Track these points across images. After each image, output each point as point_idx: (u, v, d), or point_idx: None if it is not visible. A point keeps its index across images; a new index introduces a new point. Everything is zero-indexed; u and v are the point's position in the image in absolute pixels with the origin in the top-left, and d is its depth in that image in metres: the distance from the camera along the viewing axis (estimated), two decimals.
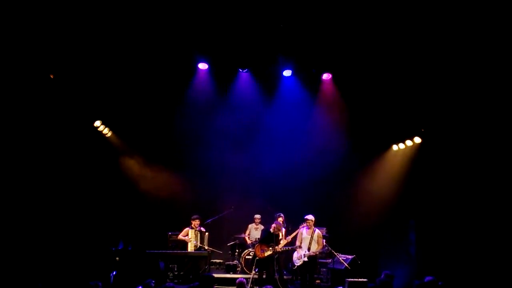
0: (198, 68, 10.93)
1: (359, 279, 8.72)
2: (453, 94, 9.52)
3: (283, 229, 10.19)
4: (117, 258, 9.37)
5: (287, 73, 10.96)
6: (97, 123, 11.03)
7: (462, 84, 9.26)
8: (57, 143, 9.93)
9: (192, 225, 10.07)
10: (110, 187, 11.04)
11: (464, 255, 9.05)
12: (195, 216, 10.14)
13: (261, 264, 9.41)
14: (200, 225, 10.20)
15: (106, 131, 11.29)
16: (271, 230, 9.40)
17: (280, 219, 10.15)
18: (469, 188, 9.24)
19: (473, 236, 9.01)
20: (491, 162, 8.90)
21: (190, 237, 10.01)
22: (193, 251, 9.88)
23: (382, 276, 7.07)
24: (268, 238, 9.36)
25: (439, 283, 6.38)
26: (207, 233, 10.28)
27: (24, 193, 9.19)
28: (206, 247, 10.01)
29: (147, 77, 10.55)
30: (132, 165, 11.90)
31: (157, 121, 11.36)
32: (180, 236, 10.11)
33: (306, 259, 9.27)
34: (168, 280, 9.64)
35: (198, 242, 10.01)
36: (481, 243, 8.83)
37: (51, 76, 9.71)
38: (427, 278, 6.48)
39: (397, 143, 11.49)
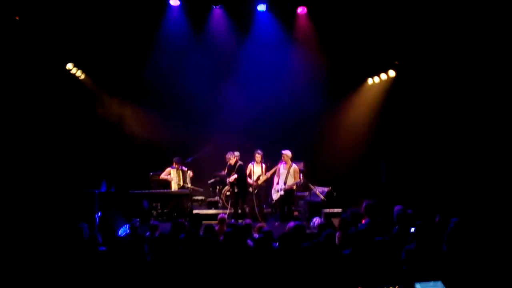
0: (170, 4, 10.60)
1: (335, 210, 9.21)
2: (428, 26, 9.49)
3: (263, 165, 10.53)
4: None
5: (261, 7, 10.73)
6: (69, 65, 10.80)
7: (438, 15, 9.21)
8: (30, 89, 9.72)
9: (174, 165, 10.29)
10: (89, 130, 11.03)
11: (431, 185, 9.54)
12: (176, 158, 10.38)
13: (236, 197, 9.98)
14: (182, 165, 10.43)
15: (79, 73, 11.08)
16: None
17: (258, 156, 10.39)
18: (440, 122, 9.52)
19: (440, 166, 9.43)
20: (463, 96, 9.10)
21: (173, 176, 10.25)
22: (176, 190, 10.18)
23: (364, 204, 7.17)
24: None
25: (408, 211, 6.77)
26: (189, 172, 10.54)
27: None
28: (189, 185, 10.31)
29: (118, 15, 10.18)
30: (110, 106, 11.84)
31: (130, 60, 11.09)
32: (163, 176, 10.35)
33: (282, 193, 9.74)
34: (152, 218, 9.98)
35: (181, 181, 10.29)
36: (447, 173, 9.27)
37: (17, 18, 9.34)
38: (397, 207, 6.85)
39: (372, 76, 11.61)
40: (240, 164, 10.12)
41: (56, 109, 10.32)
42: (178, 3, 10.56)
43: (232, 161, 10.22)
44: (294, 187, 9.80)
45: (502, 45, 8.26)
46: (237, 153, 10.65)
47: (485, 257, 5.08)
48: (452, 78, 9.37)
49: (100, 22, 10.06)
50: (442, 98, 9.58)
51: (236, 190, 10.06)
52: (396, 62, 10.93)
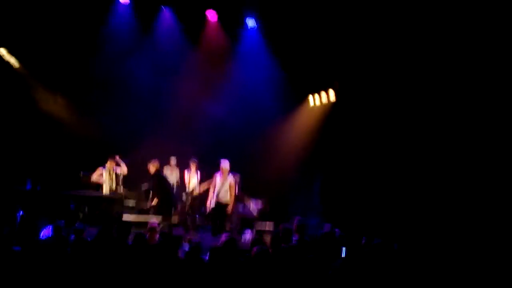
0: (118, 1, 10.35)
1: (267, 224, 9.27)
2: (369, 47, 9.78)
3: (199, 174, 10.41)
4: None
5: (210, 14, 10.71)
6: (2, 51, 10.19)
7: (380, 36, 9.50)
8: None
9: (107, 166, 9.87)
10: (18, 122, 10.42)
11: (361, 207, 9.87)
12: (110, 157, 9.89)
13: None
14: (116, 163, 10.00)
15: (13, 61, 10.47)
16: None
17: (193, 164, 10.29)
18: (375, 146, 9.86)
19: (377, 189, 9.76)
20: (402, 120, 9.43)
21: (105, 178, 9.85)
22: (107, 193, 9.79)
23: (296, 221, 7.31)
24: None
25: (336, 230, 6.94)
26: (123, 167, 10.08)
27: None
28: (121, 191, 9.94)
29: (62, 7, 9.77)
30: (43, 98, 11.25)
31: (71, 53, 10.65)
32: (94, 178, 9.89)
33: (213, 205, 9.54)
34: (78, 221, 9.51)
35: (114, 185, 9.89)
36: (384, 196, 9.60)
37: None
38: (326, 226, 7.01)
39: (313, 94, 11.88)
40: (156, 173, 9.52)
41: None
42: (127, 0, 10.30)
43: (152, 170, 9.55)
44: (230, 202, 9.57)
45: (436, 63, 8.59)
46: (155, 162, 10.04)
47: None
48: (390, 99, 9.66)
49: (43, 11, 9.59)
50: (379, 120, 9.90)
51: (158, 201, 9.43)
52: (336, 83, 11.21)
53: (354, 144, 10.29)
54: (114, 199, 9.71)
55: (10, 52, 10.42)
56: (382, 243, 5.78)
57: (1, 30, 9.78)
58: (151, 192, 9.56)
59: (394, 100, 9.37)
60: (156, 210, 9.33)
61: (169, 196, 9.60)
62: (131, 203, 10.68)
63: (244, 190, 10.04)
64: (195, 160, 10.39)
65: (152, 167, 9.46)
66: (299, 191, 11.54)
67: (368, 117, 10.00)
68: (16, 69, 10.66)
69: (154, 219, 9.03)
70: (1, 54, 10.25)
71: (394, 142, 9.36)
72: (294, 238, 6.71)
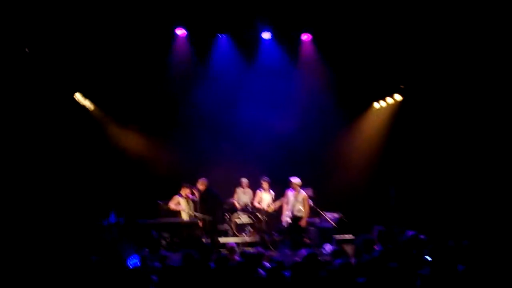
0: (176, 34, 10.76)
1: (346, 236, 9.07)
2: (433, 50, 9.57)
3: (272, 192, 10.50)
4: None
5: (266, 35, 10.87)
6: (78, 95, 10.92)
7: (442, 39, 9.29)
8: (39, 119, 9.82)
9: (183, 194, 10.18)
10: (97, 160, 11.06)
11: (443, 209, 9.43)
12: (184, 185, 10.21)
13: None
14: (191, 192, 10.28)
15: (87, 103, 11.20)
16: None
17: (265, 183, 10.44)
18: (447, 145, 9.49)
19: (451, 189, 9.34)
20: (471, 120, 9.08)
21: (183, 205, 10.15)
22: (187, 219, 10.05)
23: (376, 231, 7.18)
24: None
25: (421, 237, 6.66)
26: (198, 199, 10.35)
27: (9, 173, 9.14)
28: (200, 215, 10.18)
29: (125, 46, 10.34)
30: (117, 135, 11.88)
31: (138, 88, 11.19)
32: (172, 206, 10.19)
33: (290, 220, 9.63)
34: (161, 248, 9.83)
35: (192, 211, 10.18)
36: (458, 196, 9.18)
37: (26, 50, 9.51)
38: (410, 233, 6.74)
39: (378, 101, 11.63)
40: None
41: (65, 139, 10.37)
42: (184, 32, 10.70)
43: (201, 188, 10.14)
44: (303, 215, 9.61)
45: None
46: (245, 180, 10.63)
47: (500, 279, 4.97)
48: (459, 99, 9.37)
49: (108, 51, 10.21)
50: (449, 120, 9.55)
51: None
52: (402, 86, 10.96)
53: (426, 144, 9.95)
54: (193, 224, 9.94)
55: (85, 95, 11.12)
56: (471, 244, 5.50)
57: (75, 76, 10.48)
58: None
59: (464, 98, 9.02)
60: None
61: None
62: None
63: (319, 203, 9.93)
64: (266, 178, 10.55)
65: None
66: (375, 198, 11.22)
67: (438, 115, 9.64)
68: (92, 111, 11.32)
69: (231, 240, 9.22)
70: (77, 99, 10.95)
71: (467, 140, 8.95)
72: (376, 248, 6.53)
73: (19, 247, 8.28)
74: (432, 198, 9.67)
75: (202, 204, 10.03)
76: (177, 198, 10.22)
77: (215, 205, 10.14)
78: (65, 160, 10.35)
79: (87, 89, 11.11)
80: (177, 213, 10.22)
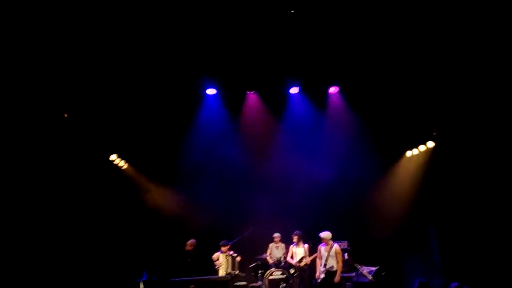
0: (207, 94, 11.11)
1: None
2: (463, 96, 9.50)
3: (305, 246, 10.27)
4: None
5: (294, 90, 11.08)
6: (113, 156, 11.27)
7: (472, 86, 9.23)
8: (77, 180, 10.13)
9: (223, 250, 10.14)
10: (131, 218, 11.20)
11: (488, 258, 8.93)
12: (223, 242, 10.20)
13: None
14: (230, 249, 10.27)
15: (122, 163, 11.52)
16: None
17: (295, 237, 10.30)
18: (487, 190, 9.16)
19: (496, 237, 8.90)
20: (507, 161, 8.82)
21: (221, 261, 10.06)
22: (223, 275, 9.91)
23: (417, 284, 6.90)
24: None
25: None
26: (238, 258, 10.32)
27: (50, 232, 9.35)
28: (237, 272, 10.10)
29: (157, 106, 10.72)
30: (150, 194, 12.06)
31: (170, 148, 11.49)
32: (214, 258, 10.15)
33: (323, 275, 9.30)
34: None
35: (229, 268, 10.07)
36: (504, 244, 8.71)
37: (65, 115, 9.98)
38: (453, 285, 6.41)
39: (410, 149, 11.48)
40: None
41: (102, 198, 10.61)
42: (214, 91, 11.03)
43: (190, 248, 10.23)
44: (336, 268, 9.28)
45: None
46: (277, 235, 10.60)
47: None
48: (491, 146, 9.14)
49: (141, 113, 10.60)
50: (483, 163, 9.28)
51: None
52: (434, 133, 10.81)
53: (465, 189, 9.60)
54: (226, 281, 9.73)
55: (120, 156, 11.47)
56: None
57: (111, 137, 10.88)
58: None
59: (495, 139, 8.81)
60: None
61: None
62: (241, 283, 10.71)
63: (355, 256, 9.59)
64: (298, 232, 10.40)
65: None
66: (414, 250, 10.76)
67: (472, 159, 9.38)
68: (125, 170, 11.62)
69: None
70: (112, 159, 11.29)
71: (501, 182, 8.63)
72: None
73: None
74: (475, 244, 9.18)
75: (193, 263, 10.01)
76: (218, 254, 10.20)
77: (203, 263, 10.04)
78: (103, 218, 10.51)
79: (123, 150, 11.44)
80: (217, 271, 10.12)
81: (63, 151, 9.87)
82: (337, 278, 9.16)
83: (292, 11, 8.38)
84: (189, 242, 10.26)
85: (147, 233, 11.25)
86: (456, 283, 6.44)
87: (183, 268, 9.93)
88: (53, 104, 9.57)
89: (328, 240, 9.43)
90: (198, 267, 9.82)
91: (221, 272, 10.02)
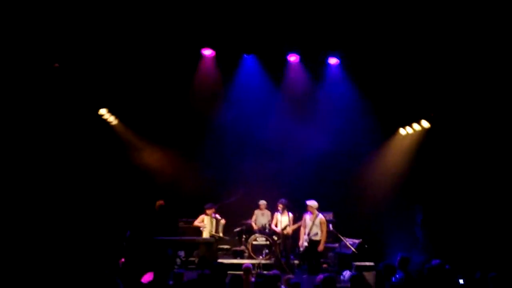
0: (203, 54, 10.85)
1: (366, 263, 8.77)
2: (462, 78, 9.41)
3: (290, 215, 10.31)
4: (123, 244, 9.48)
5: (293, 58, 10.87)
6: (103, 111, 11.06)
7: (472, 69, 9.14)
8: (62, 133, 9.95)
9: (208, 213, 10.17)
10: (119, 175, 11.10)
11: (470, 238, 9.07)
12: (208, 205, 10.22)
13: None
14: (215, 212, 10.30)
15: (111, 119, 11.33)
16: None
17: (280, 206, 10.31)
18: (475, 174, 9.21)
19: (479, 219, 9.01)
20: (500, 148, 8.84)
21: (206, 223, 10.09)
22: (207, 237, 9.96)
23: (399, 257, 6.93)
24: None
25: (446, 266, 6.36)
26: (222, 220, 10.40)
27: (32, 187, 9.23)
28: (221, 235, 10.16)
29: (151, 64, 10.46)
30: (142, 152, 11.92)
31: (163, 108, 11.30)
32: (196, 223, 10.21)
33: (306, 243, 9.37)
34: (176, 266, 9.70)
35: (214, 230, 10.14)
36: (486, 226, 8.84)
37: (56, 65, 9.71)
38: (434, 262, 6.45)
39: (404, 127, 11.43)
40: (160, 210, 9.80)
41: (87, 155, 10.46)
42: (211, 52, 10.77)
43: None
44: (320, 238, 9.35)
45: None
46: (263, 202, 10.65)
47: None
48: (487, 132, 9.14)
49: (136, 69, 10.35)
50: (478, 148, 9.30)
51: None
52: (432, 114, 10.73)
53: (454, 170, 9.65)
54: (209, 243, 9.78)
55: (110, 111, 11.25)
56: (499, 276, 5.22)
57: (102, 92, 10.63)
58: None
59: (494, 121, 8.77)
60: None
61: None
62: (225, 246, 10.81)
63: (339, 228, 9.67)
64: (283, 200, 10.43)
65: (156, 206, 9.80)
66: (399, 225, 10.88)
67: (467, 140, 9.39)
68: (114, 125, 11.43)
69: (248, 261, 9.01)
70: (102, 114, 11.07)
71: (497, 165, 8.66)
72: (397, 276, 6.26)
73: (40, 261, 8.33)
74: (459, 226, 9.32)
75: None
76: (202, 216, 10.22)
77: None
78: (88, 174, 10.40)
79: (113, 105, 11.23)
80: (199, 233, 10.17)
81: (51, 102, 9.65)
82: (321, 247, 9.24)
83: None
84: (157, 202, 10.03)
85: (134, 192, 11.16)
86: (437, 260, 6.45)
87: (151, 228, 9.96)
88: (44, 53, 9.28)
89: (314, 209, 9.45)
90: (160, 228, 9.72)
91: (205, 234, 10.09)
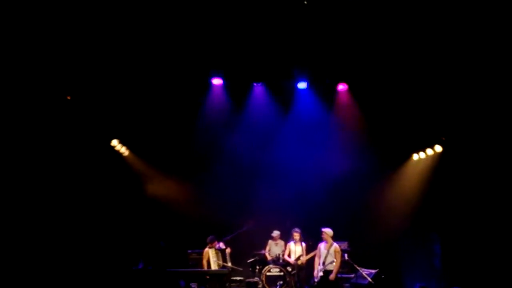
0: (212, 83, 10.90)
1: None
2: (473, 101, 9.33)
3: (303, 244, 10.13)
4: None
5: (302, 85, 10.88)
6: (114, 142, 11.10)
7: (483, 91, 9.06)
8: (76, 164, 9.97)
9: (210, 246, 10.02)
10: (131, 206, 11.04)
11: (490, 266, 8.78)
12: (210, 238, 10.07)
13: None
14: (218, 243, 10.16)
15: (123, 150, 11.35)
16: None
17: (296, 235, 10.18)
18: (493, 198, 8.99)
19: (500, 246, 8.74)
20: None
21: (211, 256, 9.95)
22: (216, 269, 9.81)
23: (417, 287, 6.76)
24: None
25: None
26: (228, 249, 10.25)
27: (45, 220, 9.20)
28: (229, 264, 9.98)
29: (162, 94, 10.54)
30: (152, 182, 11.88)
31: (173, 138, 11.33)
32: (204, 261, 9.99)
33: (321, 273, 9.16)
34: None
35: (221, 260, 9.99)
36: (507, 253, 8.55)
37: (68, 98, 9.81)
38: None
39: (417, 152, 11.28)
40: None
41: (100, 185, 10.46)
42: (220, 82, 10.84)
43: None
44: (334, 268, 9.12)
45: None
46: (277, 232, 10.50)
47: None
48: (501, 153, 8.97)
49: (146, 100, 10.43)
50: (492, 171, 9.10)
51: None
52: (443, 138, 10.61)
53: (471, 195, 9.42)
54: (221, 274, 9.62)
55: (122, 142, 11.29)
56: None
57: (113, 123, 10.70)
58: None
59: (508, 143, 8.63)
60: None
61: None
62: (238, 277, 10.60)
63: (355, 258, 9.42)
64: (297, 230, 10.35)
65: None
66: (415, 254, 10.60)
67: (483, 164, 9.20)
68: (126, 156, 11.45)
69: None
70: (114, 145, 11.11)
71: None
72: None
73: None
74: (478, 253, 9.03)
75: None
76: (206, 250, 10.05)
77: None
78: (99, 204, 10.36)
79: (125, 136, 11.28)
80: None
81: (64, 134, 9.71)
82: (332, 276, 8.99)
83: (305, 2, 8.18)
84: None
85: (146, 222, 11.07)
86: None
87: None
88: (56, 86, 9.40)
89: (329, 237, 9.28)
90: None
91: (213, 266, 9.92)
